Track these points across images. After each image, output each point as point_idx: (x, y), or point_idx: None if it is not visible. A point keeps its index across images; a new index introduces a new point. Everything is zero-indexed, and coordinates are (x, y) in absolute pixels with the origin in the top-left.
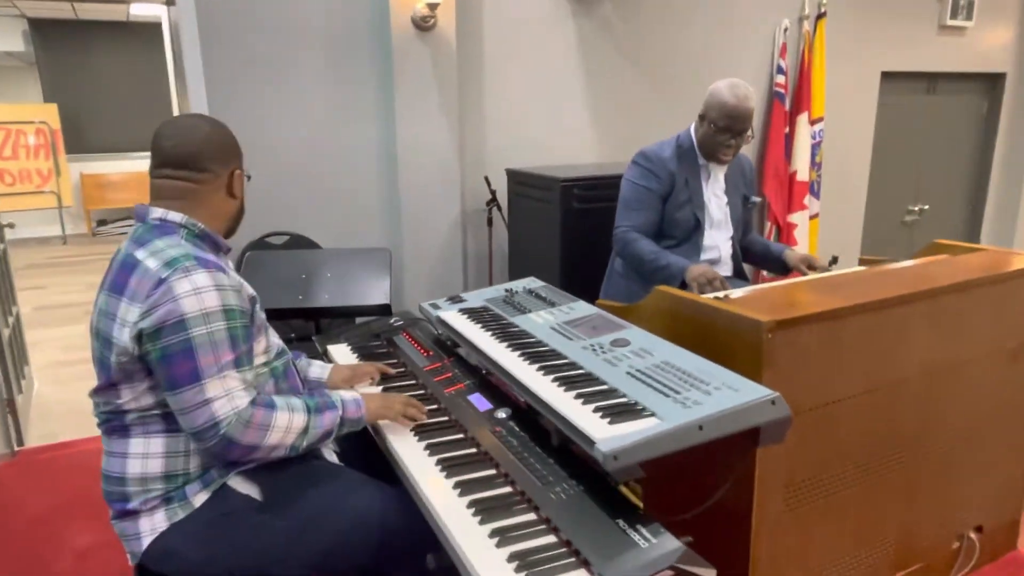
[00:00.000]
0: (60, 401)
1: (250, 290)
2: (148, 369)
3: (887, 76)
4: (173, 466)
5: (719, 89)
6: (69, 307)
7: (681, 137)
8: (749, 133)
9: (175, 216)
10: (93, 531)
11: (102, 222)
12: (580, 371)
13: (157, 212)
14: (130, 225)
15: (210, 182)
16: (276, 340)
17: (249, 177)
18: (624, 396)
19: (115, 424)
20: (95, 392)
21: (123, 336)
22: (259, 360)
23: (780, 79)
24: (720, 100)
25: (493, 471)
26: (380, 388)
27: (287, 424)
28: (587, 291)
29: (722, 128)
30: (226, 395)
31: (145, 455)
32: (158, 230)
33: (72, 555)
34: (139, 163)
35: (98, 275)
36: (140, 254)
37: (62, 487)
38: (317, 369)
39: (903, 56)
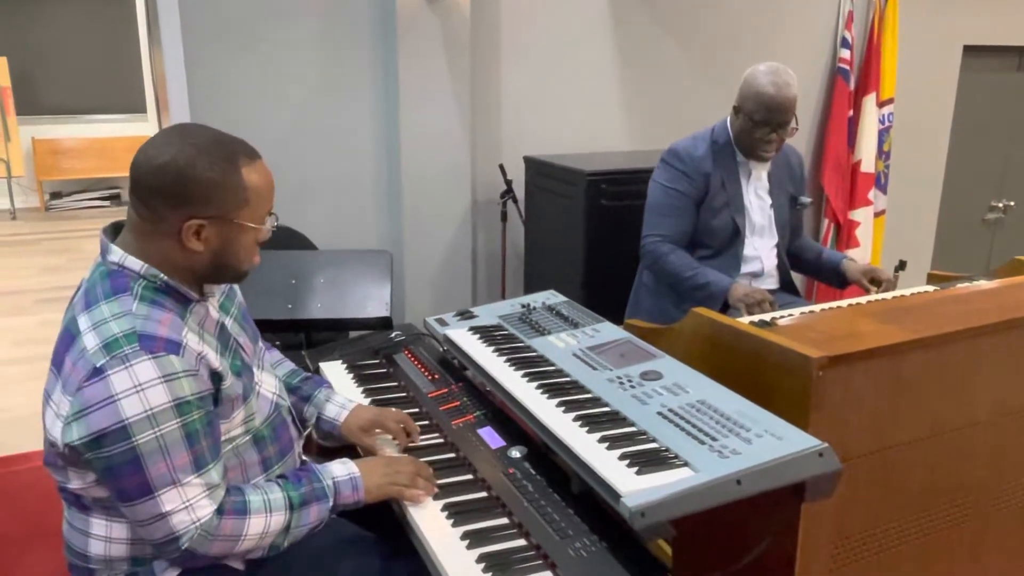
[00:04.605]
0: (9, 407)
1: (214, 362)
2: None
3: (970, 51)
4: (140, 551)
5: (755, 76)
6: (20, 294)
7: (716, 130)
8: (793, 124)
9: (134, 264)
10: (54, 561)
11: (56, 195)
12: (605, 409)
13: (115, 254)
14: (88, 199)
15: (155, 223)
16: (268, 392)
17: (276, 220)
18: (654, 441)
19: (72, 499)
20: (44, 463)
21: (55, 428)
22: (237, 431)
23: (845, 53)
24: (757, 90)
25: (506, 520)
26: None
27: (262, 529)
28: (613, 302)
29: (760, 122)
30: (185, 507)
31: (107, 538)
32: (111, 281)
33: None
34: (99, 127)
35: (53, 257)
36: (83, 323)
37: (15, 510)
38: (334, 408)
39: (989, 28)
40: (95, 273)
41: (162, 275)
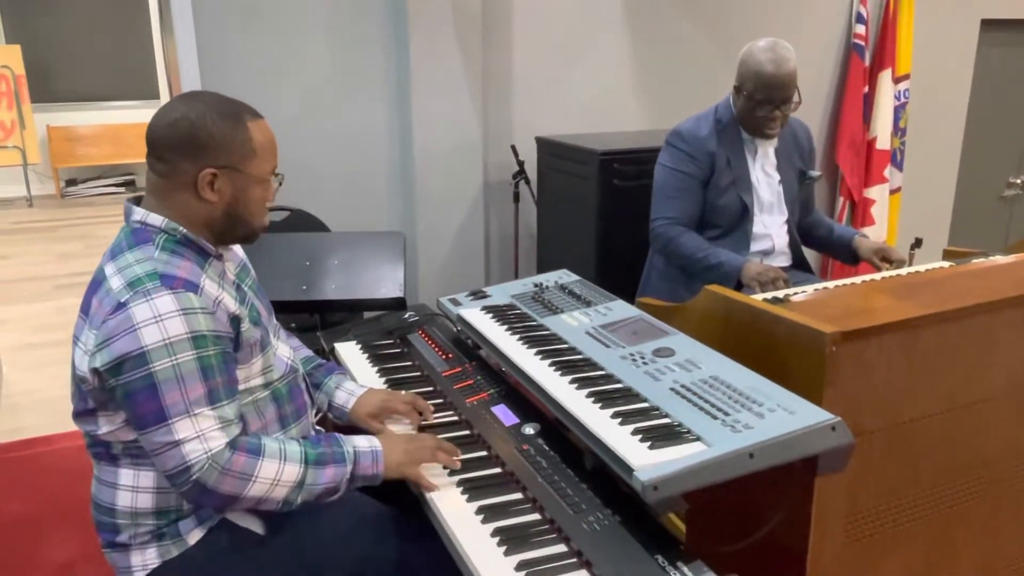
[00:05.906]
0: (31, 390)
1: (232, 307)
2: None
3: (988, 25)
4: (165, 502)
5: (752, 54)
6: (37, 280)
7: (720, 109)
8: (796, 99)
9: (155, 219)
10: (77, 541)
11: (71, 182)
12: (618, 385)
13: (138, 213)
14: (104, 185)
15: (172, 177)
16: (284, 356)
17: (280, 180)
18: (667, 416)
19: (102, 452)
20: (74, 416)
21: (83, 364)
22: (256, 382)
23: (860, 29)
24: (755, 69)
25: (520, 495)
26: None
27: (274, 475)
28: (626, 282)
29: (762, 101)
30: (197, 436)
31: (135, 488)
32: (135, 236)
33: (54, 570)
34: (114, 114)
35: (69, 243)
36: (109, 269)
37: (38, 491)
38: (343, 396)
39: (1007, 1)
40: (120, 234)
41: (181, 228)
